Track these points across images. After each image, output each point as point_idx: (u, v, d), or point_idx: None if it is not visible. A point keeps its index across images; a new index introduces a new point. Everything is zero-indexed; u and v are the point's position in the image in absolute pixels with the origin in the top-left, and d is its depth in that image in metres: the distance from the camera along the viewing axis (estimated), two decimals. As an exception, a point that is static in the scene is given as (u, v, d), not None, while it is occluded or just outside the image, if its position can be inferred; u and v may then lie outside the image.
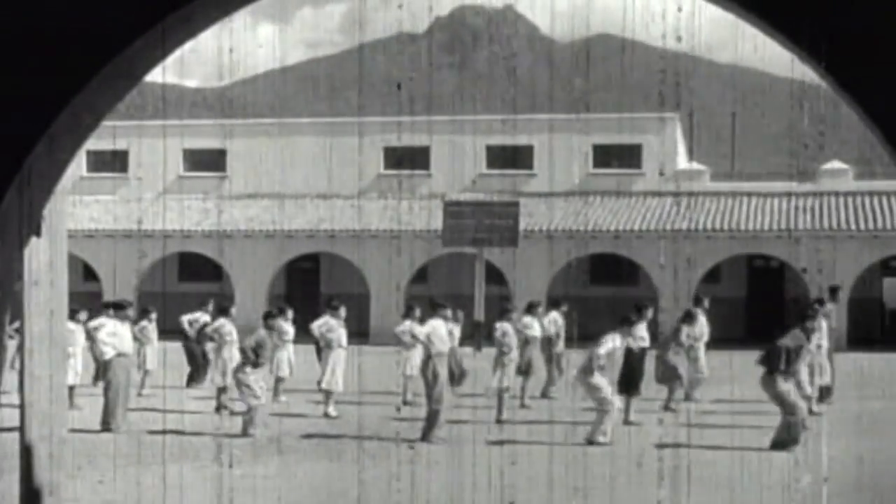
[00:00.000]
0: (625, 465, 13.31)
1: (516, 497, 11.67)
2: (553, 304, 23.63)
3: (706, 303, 22.00)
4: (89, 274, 39.36)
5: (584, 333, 31.13)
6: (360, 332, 36.01)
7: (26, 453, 6.90)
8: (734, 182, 42.12)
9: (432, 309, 16.83)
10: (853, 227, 35.90)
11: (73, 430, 12.68)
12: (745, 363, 22.20)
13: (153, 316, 22.15)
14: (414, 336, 17.76)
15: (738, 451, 14.69)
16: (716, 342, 22.32)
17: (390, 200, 39.88)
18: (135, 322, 20.05)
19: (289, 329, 20.87)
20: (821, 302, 19.14)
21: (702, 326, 20.67)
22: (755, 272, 40.13)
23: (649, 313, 19.04)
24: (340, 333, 19.24)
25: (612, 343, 16.14)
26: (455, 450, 14.83)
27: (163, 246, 38.58)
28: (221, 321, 19.87)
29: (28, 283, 6.91)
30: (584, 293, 39.62)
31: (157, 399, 19.73)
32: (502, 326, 18.81)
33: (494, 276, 36.63)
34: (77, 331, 18.74)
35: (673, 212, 38.15)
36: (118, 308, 17.91)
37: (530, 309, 21.62)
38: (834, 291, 20.90)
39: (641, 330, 18.40)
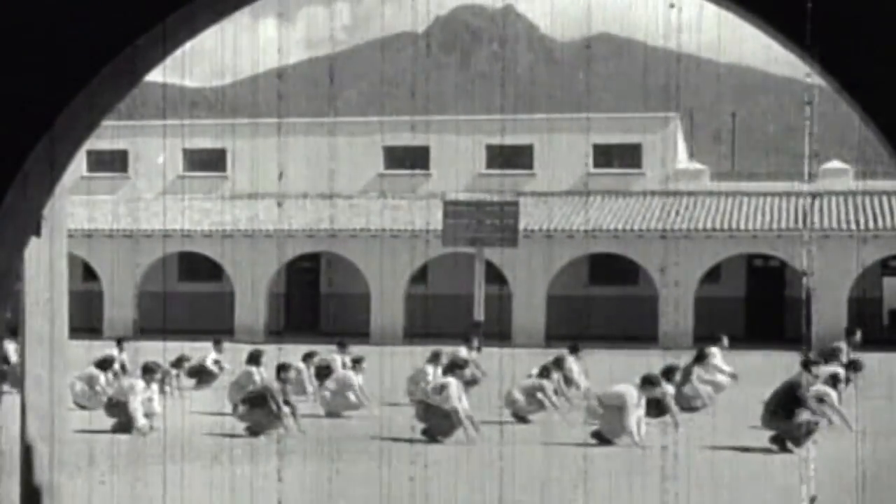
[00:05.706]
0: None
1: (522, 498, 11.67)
2: (572, 349, 21.30)
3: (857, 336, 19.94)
4: (89, 274, 39.36)
5: (583, 334, 31.20)
6: (360, 333, 36.06)
7: (26, 453, 6.90)
8: (734, 182, 42.11)
9: (450, 368, 16.82)
10: (853, 227, 35.90)
11: (76, 431, 12.73)
12: (745, 362, 22.28)
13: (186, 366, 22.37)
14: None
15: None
16: (713, 341, 22.29)
17: (390, 200, 39.87)
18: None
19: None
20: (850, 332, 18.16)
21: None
22: (755, 272, 40.14)
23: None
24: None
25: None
26: (456, 450, 14.82)
27: (163, 246, 38.57)
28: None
29: (28, 283, 6.92)
30: (584, 293, 39.65)
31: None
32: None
33: (494, 275, 36.63)
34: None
35: (673, 211, 38.14)
36: (148, 371, 17.45)
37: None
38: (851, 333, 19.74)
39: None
